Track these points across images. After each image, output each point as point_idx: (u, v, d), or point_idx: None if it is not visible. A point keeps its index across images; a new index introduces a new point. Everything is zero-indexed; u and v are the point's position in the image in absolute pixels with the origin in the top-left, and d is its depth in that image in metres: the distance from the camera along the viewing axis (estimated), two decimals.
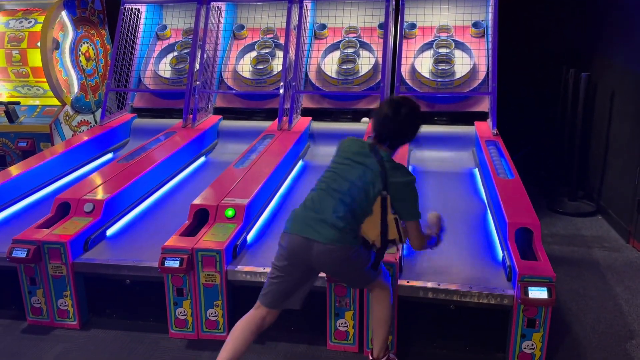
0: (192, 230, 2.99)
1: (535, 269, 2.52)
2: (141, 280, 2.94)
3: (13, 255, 2.85)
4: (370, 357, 2.57)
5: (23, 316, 3.09)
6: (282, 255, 2.31)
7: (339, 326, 2.74)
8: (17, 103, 4.88)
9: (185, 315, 2.85)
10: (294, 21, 4.84)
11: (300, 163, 4.36)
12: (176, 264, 2.71)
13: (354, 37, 5.09)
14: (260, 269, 2.81)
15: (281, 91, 4.64)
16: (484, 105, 4.69)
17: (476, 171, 4.13)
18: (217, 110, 5.09)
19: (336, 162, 2.36)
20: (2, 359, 2.81)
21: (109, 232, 3.24)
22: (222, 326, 2.85)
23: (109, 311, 3.10)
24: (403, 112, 2.28)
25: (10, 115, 4.79)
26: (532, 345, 2.56)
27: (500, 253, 2.91)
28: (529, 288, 2.45)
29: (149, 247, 3.08)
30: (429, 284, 2.67)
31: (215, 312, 2.83)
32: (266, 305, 2.36)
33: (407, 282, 2.67)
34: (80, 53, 5.15)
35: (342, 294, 2.68)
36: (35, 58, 4.84)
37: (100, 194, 3.28)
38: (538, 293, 2.44)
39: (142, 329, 3.00)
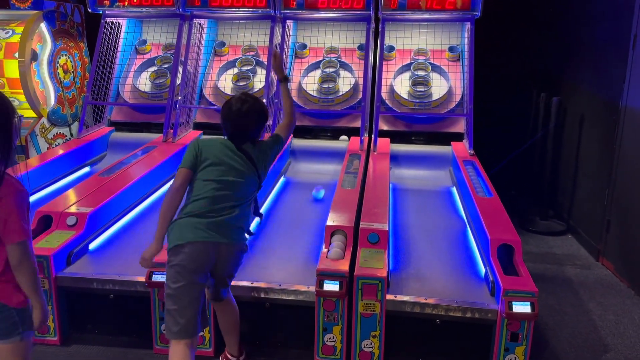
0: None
1: (518, 284, 2.60)
2: (126, 295, 2.90)
3: None
4: (233, 357, 2.68)
5: None
6: None
7: (327, 341, 2.76)
8: None
9: None
10: (276, 40, 4.91)
11: (282, 179, 4.40)
12: (164, 279, 2.69)
13: (334, 57, 5.19)
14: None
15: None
16: (460, 126, 4.84)
17: (454, 189, 4.24)
18: (197, 125, 5.09)
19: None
20: None
21: (92, 245, 3.19)
22: (209, 341, 2.84)
23: (90, 326, 3.04)
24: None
25: None
26: (515, 358, 2.64)
27: (482, 269, 2.99)
28: (513, 303, 2.53)
29: (133, 261, 3.01)
30: (416, 299, 2.72)
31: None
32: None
33: (395, 296, 2.72)
34: (58, 65, 5.09)
35: (330, 308, 2.71)
36: (12, 69, 4.75)
37: (83, 207, 3.23)
38: (522, 307, 2.53)
39: (126, 344, 2.95)
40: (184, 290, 2.25)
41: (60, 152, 4.49)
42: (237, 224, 2.38)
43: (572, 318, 3.40)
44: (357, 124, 4.80)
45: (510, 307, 2.53)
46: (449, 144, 4.70)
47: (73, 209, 3.20)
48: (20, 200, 1.82)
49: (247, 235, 2.49)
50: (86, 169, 4.58)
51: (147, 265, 2.39)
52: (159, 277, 2.71)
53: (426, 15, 4.80)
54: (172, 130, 4.73)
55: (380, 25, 4.84)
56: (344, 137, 4.89)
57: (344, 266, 2.73)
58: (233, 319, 2.63)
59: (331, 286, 2.65)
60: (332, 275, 2.67)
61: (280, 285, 2.80)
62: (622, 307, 3.56)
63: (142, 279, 2.81)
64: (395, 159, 4.58)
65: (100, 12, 5.07)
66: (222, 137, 2.48)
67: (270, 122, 4.69)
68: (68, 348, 2.93)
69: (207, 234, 2.28)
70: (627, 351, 3.05)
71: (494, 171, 4.37)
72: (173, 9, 4.93)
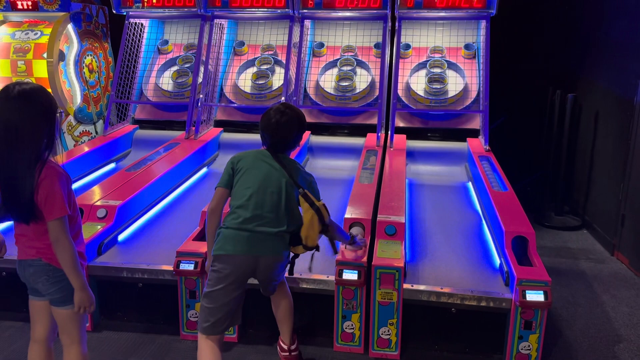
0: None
1: (532, 273, 2.69)
2: (154, 284, 3.04)
3: None
4: (286, 347, 2.74)
5: None
6: None
7: (346, 328, 2.87)
8: None
9: (197, 317, 2.96)
10: (295, 39, 5.03)
11: None
12: (191, 267, 2.83)
13: (351, 55, 5.29)
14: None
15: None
16: (475, 122, 4.91)
17: (469, 185, 4.32)
18: (218, 123, 5.23)
19: None
20: (15, 359, 2.88)
21: (121, 237, 3.34)
22: (233, 329, 2.96)
23: (120, 314, 3.18)
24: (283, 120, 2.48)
25: None
26: (529, 346, 2.72)
27: (497, 260, 3.08)
28: (527, 291, 2.62)
29: (160, 251, 3.19)
30: (432, 288, 2.82)
31: None
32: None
33: (412, 286, 2.82)
34: (84, 65, 5.26)
35: (349, 297, 2.81)
36: (40, 69, 4.94)
37: (112, 200, 3.38)
38: (535, 296, 2.61)
39: (153, 331, 3.09)
40: (220, 293, 2.37)
41: (86, 149, 4.65)
42: (277, 234, 2.41)
43: (586, 310, 3.47)
44: (374, 121, 4.90)
45: (524, 296, 2.61)
46: (464, 140, 4.78)
47: (103, 202, 3.35)
48: (60, 182, 2.00)
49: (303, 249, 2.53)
50: (112, 165, 4.74)
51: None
52: (186, 266, 2.84)
53: (442, 14, 4.88)
54: (194, 128, 4.88)
55: (396, 24, 4.93)
56: None
57: (363, 257, 2.84)
58: (284, 310, 2.69)
59: (350, 275, 2.76)
60: (351, 265, 2.78)
61: (301, 275, 2.92)
62: (636, 299, 3.61)
63: (170, 267, 2.95)
64: (412, 155, 4.67)
65: (125, 14, 5.23)
66: (256, 149, 2.55)
67: None
68: (99, 334, 3.08)
69: (247, 247, 2.37)
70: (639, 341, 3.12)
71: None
72: (194, 9, 5.07)
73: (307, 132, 4.95)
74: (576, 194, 5.20)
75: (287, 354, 2.74)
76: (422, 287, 2.83)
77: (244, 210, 2.39)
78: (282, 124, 2.45)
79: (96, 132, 5.45)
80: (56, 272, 2.09)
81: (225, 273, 2.37)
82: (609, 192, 4.49)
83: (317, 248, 2.55)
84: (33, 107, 1.95)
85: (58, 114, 2.02)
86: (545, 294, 2.61)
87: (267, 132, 2.48)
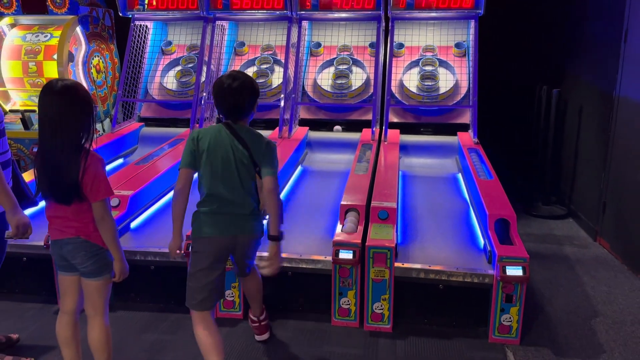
0: None
1: (512, 251, 2.94)
2: (165, 265, 3.28)
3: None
4: (256, 318, 2.99)
5: (54, 300, 3.40)
6: None
7: (342, 304, 3.13)
8: (33, 111, 5.20)
9: None
10: (293, 39, 5.28)
11: (299, 168, 4.76)
12: None
13: (347, 54, 5.54)
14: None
15: (282, 102, 5.05)
16: (466, 117, 5.16)
17: (459, 176, 4.57)
18: (220, 120, 5.46)
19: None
20: (38, 336, 3.12)
21: (133, 224, 3.59)
22: (239, 306, 3.22)
23: (133, 295, 3.43)
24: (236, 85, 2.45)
25: (26, 122, 5.11)
26: (510, 318, 2.97)
27: (481, 241, 3.33)
28: (507, 267, 2.87)
29: (169, 236, 3.41)
30: (421, 266, 3.08)
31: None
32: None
33: (402, 264, 3.07)
34: (91, 66, 5.51)
35: (345, 275, 3.06)
36: (50, 69, 5.18)
37: (124, 191, 3.63)
38: (515, 271, 2.86)
39: (165, 310, 3.34)
40: (202, 273, 2.54)
41: (95, 145, 4.89)
42: (251, 213, 2.54)
43: (567, 289, 3.72)
44: (369, 116, 5.15)
45: (504, 271, 2.86)
46: (455, 134, 5.03)
47: (116, 192, 3.58)
48: (102, 168, 2.29)
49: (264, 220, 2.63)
50: (120, 161, 4.99)
51: (174, 256, 2.65)
52: None
53: (433, 14, 5.14)
54: (197, 125, 5.12)
55: (390, 24, 5.18)
56: (337, 127, 5.22)
57: (357, 238, 3.09)
58: (254, 288, 2.91)
59: (346, 255, 3.01)
60: (347, 245, 3.03)
61: (300, 256, 3.17)
62: (614, 280, 3.87)
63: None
64: (405, 148, 4.92)
65: (130, 16, 5.48)
66: (215, 125, 2.58)
67: (287, 115, 5.08)
68: (114, 313, 3.31)
69: (224, 228, 2.50)
70: (615, 315, 3.37)
71: None
72: (197, 12, 5.32)
73: (305, 128, 5.20)
74: (562, 184, 5.46)
75: (257, 324, 3.01)
76: (412, 265, 3.08)
77: (216, 198, 2.48)
78: (234, 88, 2.44)
79: (103, 130, 5.70)
80: (93, 248, 2.34)
81: (205, 254, 2.51)
82: (591, 182, 4.74)
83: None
84: (75, 100, 2.22)
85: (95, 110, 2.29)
86: (524, 269, 2.86)
87: (220, 98, 2.48)
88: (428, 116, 5.24)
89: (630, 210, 4.07)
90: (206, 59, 5.35)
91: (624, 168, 4.18)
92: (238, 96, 2.46)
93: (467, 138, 4.90)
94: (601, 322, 3.30)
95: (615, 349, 3.02)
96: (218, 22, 5.41)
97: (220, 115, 2.58)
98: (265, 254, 2.59)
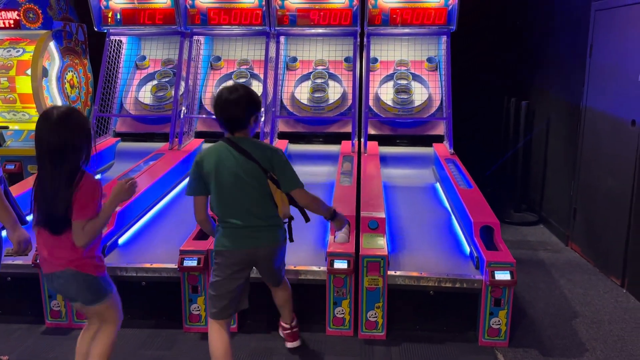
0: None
1: (499, 256, 3.08)
2: (156, 281, 3.27)
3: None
4: (287, 325, 3.07)
5: (41, 320, 3.34)
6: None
7: (337, 314, 3.18)
8: (6, 127, 5.08)
9: (199, 310, 3.21)
10: (271, 54, 5.35)
11: None
12: (194, 263, 3.09)
13: (323, 69, 5.65)
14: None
15: (262, 117, 5.10)
16: (440, 129, 5.33)
17: (437, 185, 4.71)
18: (198, 134, 5.47)
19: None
20: (26, 358, 3.05)
21: (121, 240, 3.55)
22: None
23: (124, 311, 3.38)
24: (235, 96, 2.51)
25: None
26: (499, 321, 3.09)
27: (467, 248, 3.45)
28: (495, 272, 3.00)
29: (158, 253, 3.43)
30: (412, 273, 3.17)
31: None
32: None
33: (395, 272, 3.16)
34: (65, 81, 5.43)
35: (339, 284, 3.12)
36: (24, 85, 5.08)
37: None
38: (503, 275, 2.99)
39: (157, 326, 3.32)
40: (222, 283, 2.62)
41: None
42: (270, 223, 2.61)
43: (546, 292, 3.88)
44: (347, 129, 5.25)
45: (493, 276, 2.99)
46: (430, 146, 5.18)
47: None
48: (99, 189, 2.28)
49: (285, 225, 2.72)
50: (97, 177, 4.91)
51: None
52: (189, 262, 3.10)
53: (407, 30, 5.30)
54: (177, 139, 5.11)
55: (365, 39, 5.32)
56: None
57: (351, 248, 3.16)
58: (284, 298, 2.98)
59: (341, 264, 3.07)
60: (341, 255, 3.09)
61: (295, 267, 3.21)
62: (588, 282, 4.06)
63: (172, 265, 3.20)
64: (384, 159, 5.03)
65: (105, 31, 5.43)
66: (216, 144, 2.60)
67: (267, 129, 5.12)
68: None
69: (243, 242, 2.58)
70: (593, 315, 3.54)
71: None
72: (174, 27, 5.32)
73: (285, 141, 5.26)
74: (532, 192, 5.68)
75: (289, 331, 3.06)
76: (403, 273, 3.17)
77: (233, 219, 2.55)
78: (231, 101, 2.48)
79: None
80: (86, 278, 2.32)
81: (226, 265, 2.62)
82: (562, 189, 4.97)
83: (291, 217, 2.73)
84: (73, 127, 2.21)
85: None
86: (512, 273, 2.99)
87: (218, 110, 2.53)
88: (404, 128, 5.38)
89: (599, 215, 4.29)
90: (184, 73, 5.35)
91: (593, 175, 4.40)
92: (235, 108, 2.51)
93: (443, 149, 5.06)
94: (581, 322, 3.46)
95: (596, 347, 3.18)
96: (195, 37, 5.42)
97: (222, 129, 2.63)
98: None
